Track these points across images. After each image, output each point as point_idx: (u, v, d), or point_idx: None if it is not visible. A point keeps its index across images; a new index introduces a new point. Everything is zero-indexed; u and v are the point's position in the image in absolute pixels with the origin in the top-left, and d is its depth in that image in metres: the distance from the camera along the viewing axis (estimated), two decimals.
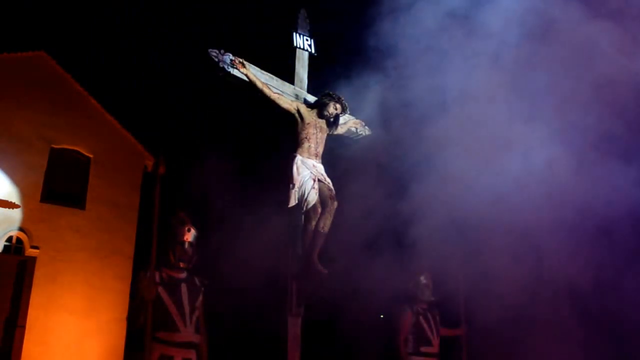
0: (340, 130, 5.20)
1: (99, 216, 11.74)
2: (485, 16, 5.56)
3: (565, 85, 5.27)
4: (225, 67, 4.63)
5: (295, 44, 5.26)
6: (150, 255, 3.55)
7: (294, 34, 5.29)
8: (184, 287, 3.65)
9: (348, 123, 5.34)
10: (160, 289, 3.56)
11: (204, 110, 12.58)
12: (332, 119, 4.96)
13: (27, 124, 11.14)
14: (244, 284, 5.82)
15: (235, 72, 4.68)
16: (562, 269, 5.27)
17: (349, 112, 5.15)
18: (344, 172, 5.31)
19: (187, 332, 3.55)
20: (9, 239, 10.71)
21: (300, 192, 4.63)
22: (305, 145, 4.76)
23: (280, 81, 5.04)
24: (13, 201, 10.38)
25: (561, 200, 5.14)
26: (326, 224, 4.54)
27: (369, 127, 5.56)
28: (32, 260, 10.75)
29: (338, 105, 4.92)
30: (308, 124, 4.81)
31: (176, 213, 3.80)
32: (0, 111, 10.83)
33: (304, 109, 4.86)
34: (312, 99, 5.14)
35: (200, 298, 3.72)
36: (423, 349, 5.03)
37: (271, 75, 4.96)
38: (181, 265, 3.68)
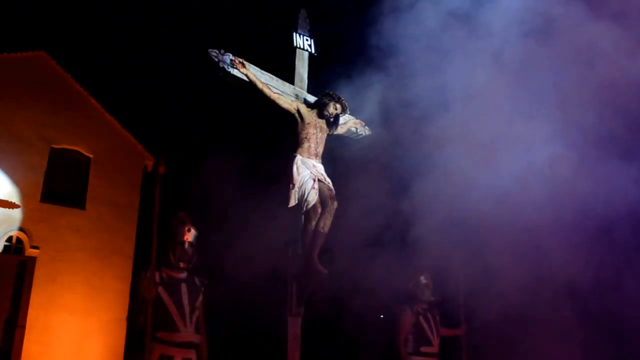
0: (340, 130, 5.20)
1: (99, 216, 11.75)
2: (487, 15, 5.56)
3: (566, 85, 5.27)
4: (225, 67, 4.63)
5: (295, 44, 5.26)
6: (150, 255, 3.55)
7: (294, 34, 5.28)
8: (184, 287, 3.64)
9: (348, 123, 5.34)
10: (160, 289, 3.55)
11: (204, 110, 12.60)
12: (332, 119, 4.96)
13: (27, 124, 11.15)
14: (244, 283, 5.82)
15: (235, 72, 4.68)
16: (562, 269, 5.26)
17: (349, 112, 5.15)
18: (344, 172, 5.31)
19: (187, 332, 3.55)
20: (9, 239, 10.71)
21: (300, 192, 4.62)
22: (305, 145, 4.76)
23: (280, 81, 5.04)
24: (13, 201, 10.38)
25: (561, 200, 5.14)
26: (326, 224, 4.54)
27: (369, 126, 5.56)
28: (32, 260, 10.76)
29: (338, 105, 4.92)
30: (308, 124, 4.81)
31: (176, 213, 3.80)
32: (0, 111, 10.84)
33: (304, 109, 4.86)
34: (312, 99, 5.14)
35: (200, 298, 3.72)
36: (423, 349, 5.03)
37: (271, 75, 4.96)
38: (181, 265, 3.68)
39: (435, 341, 5.12)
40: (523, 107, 5.44)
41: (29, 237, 10.82)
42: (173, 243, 3.67)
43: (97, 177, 11.89)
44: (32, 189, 10.99)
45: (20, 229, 10.78)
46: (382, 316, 7.49)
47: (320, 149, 4.86)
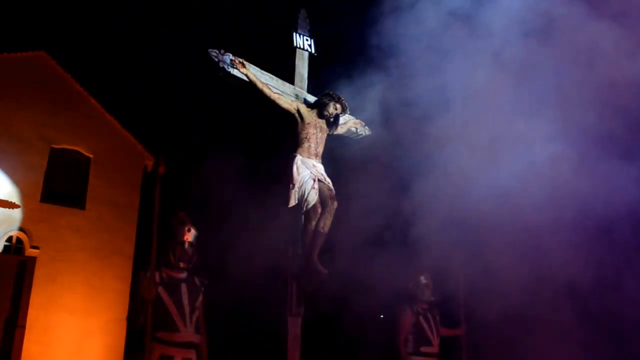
0: (340, 130, 5.20)
1: (99, 216, 11.75)
2: (487, 15, 5.56)
3: (566, 85, 5.27)
4: (225, 67, 4.63)
5: (295, 44, 5.26)
6: (150, 255, 3.55)
7: (294, 34, 5.28)
8: (184, 287, 3.65)
9: (348, 123, 5.34)
10: (160, 289, 3.56)
11: (204, 110, 12.60)
12: (332, 119, 4.96)
13: (27, 124, 11.15)
14: (244, 283, 5.82)
15: (235, 72, 4.68)
16: (562, 269, 5.26)
17: (349, 112, 5.15)
18: (344, 172, 5.31)
19: (187, 332, 3.56)
20: (9, 239, 10.71)
21: (300, 192, 4.63)
22: (305, 145, 4.76)
23: (280, 81, 5.04)
24: (13, 201, 10.39)
25: (561, 199, 5.14)
26: (326, 224, 4.54)
27: (369, 126, 5.56)
28: (32, 260, 10.76)
29: (338, 105, 4.92)
30: (308, 124, 4.81)
31: (176, 213, 3.80)
32: (0, 111, 10.84)
33: (304, 109, 4.86)
34: (312, 99, 5.14)
35: (200, 298, 3.72)
36: (423, 349, 5.03)
37: (271, 75, 4.96)
38: (181, 265, 3.68)
39: (435, 341, 5.12)
40: (523, 107, 5.44)
41: (29, 237, 10.82)
42: (173, 243, 3.67)
43: (97, 177, 11.90)
44: (32, 189, 10.99)
45: (20, 229, 10.78)
46: (382, 316, 7.49)
47: (320, 149, 4.86)
